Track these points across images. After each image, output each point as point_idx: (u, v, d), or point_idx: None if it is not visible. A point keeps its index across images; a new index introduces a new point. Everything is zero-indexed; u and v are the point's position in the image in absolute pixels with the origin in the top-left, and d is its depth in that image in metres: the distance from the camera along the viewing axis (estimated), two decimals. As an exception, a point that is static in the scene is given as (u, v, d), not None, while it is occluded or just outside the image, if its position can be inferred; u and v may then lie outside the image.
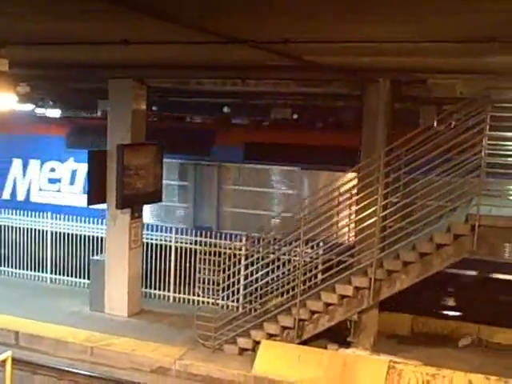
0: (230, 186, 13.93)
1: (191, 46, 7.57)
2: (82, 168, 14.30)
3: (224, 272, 10.64)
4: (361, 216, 9.83)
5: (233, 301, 11.24)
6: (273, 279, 10.65)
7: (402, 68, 9.67)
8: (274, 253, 10.78)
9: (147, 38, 7.28)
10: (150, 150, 12.44)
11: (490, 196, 9.19)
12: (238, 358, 10.21)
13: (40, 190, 15.34)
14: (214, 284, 10.70)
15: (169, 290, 13.07)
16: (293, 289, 10.32)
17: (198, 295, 11.97)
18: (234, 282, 10.76)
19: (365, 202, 9.80)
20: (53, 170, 15.36)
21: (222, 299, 10.90)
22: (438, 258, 9.31)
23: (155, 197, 12.70)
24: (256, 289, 10.71)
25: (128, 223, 12.14)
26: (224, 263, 10.66)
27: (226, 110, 15.48)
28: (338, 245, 10.23)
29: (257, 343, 10.02)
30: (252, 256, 10.78)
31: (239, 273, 11.03)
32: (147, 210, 13.69)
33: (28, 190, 15.48)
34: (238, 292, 11.26)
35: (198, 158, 14.11)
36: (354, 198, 10.17)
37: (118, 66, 10.83)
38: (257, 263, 10.66)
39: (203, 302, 11.70)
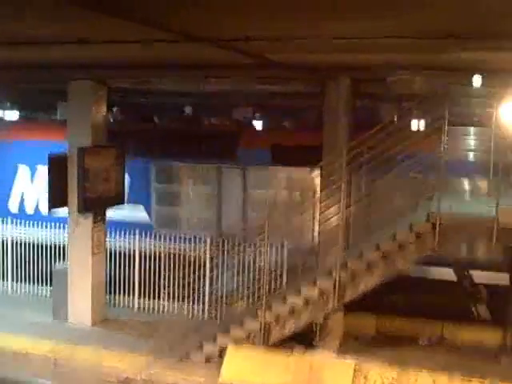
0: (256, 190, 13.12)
1: (152, 44, 7.44)
2: None
3: (189, 276, 10.51)
4: (324, 214, 9.75)
5: (198, 306, 11.07)
6: (238, 283, 10.53)
7: (362, 65, 9.65)
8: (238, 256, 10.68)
9: (107, 36, 7.13)
10: (111, 153, 12.21)
11: (451, 193, 9.23)
12: (204, 365, 10.08)
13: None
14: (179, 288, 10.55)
15: (134, 298, 12.86)
16: (259, 292, 10.20)
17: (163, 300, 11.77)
18: (199, 287, 10.62)
19: (328, 201, 9.73)
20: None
21: (188, 304, 10.73)
22: (401, 256, 9.29)
23: (117, 200, 12.47)
24: (221, 294, 10.57)
25: (90, 228, 11.90)
26: (189, 267, 10.54)
27: (187, 110, 15.34)
28: (303, 246, 10.15)
29: (224, 349, 9.88)
30: (217, 259, 10.67)
31: (204, 277, 10.89)
32: (160, 218, 13.04)
33: (38, 201, 14.41)
34: (204, 297, 11.11)
35: (222, 162, 13.23)
36: (318, 197, 10.10)
37: (78, 66, 10.61)
38: (222, 267, 10.56)
39: (169, 309, 11.54)
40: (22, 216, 14.04)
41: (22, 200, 14.67)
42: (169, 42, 7.09)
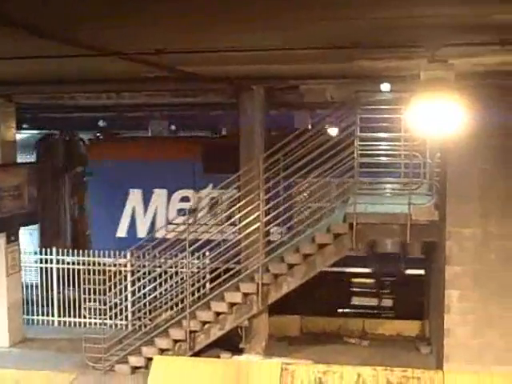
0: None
1: (60, 59, 7.33)
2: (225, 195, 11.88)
3: (110, 290, 10.38)
4: (244, 222, 9.94)
5: (121, 319, 10.95)
6: (161, 293, 10.51)
7: (274, 75, 9.92)
8: (160, 266, 10.65)
9: (12, 52, 6.96)
10: (23, 170, 11.91)
11: (365, 195, 9.67)
12: (130, 378, 9.95)
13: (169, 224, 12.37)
14: (100, 304, 10.40)
15: (53, 315, 12.53)
16: (182, 301, 10.23)
17: (85, 317, 11.54)
18: (121, 300, 10.52)
19: (247, 209, 9.92)
20: (185, 199, 13.13)
21: (110, 318, 10.59)
22: (320, 257, 9.60)
23: (32, 219, 12.17)
24: (145, 304, 10.51)
25: (3, 248, 11.52)
26: (110, 281, 10.40)
27: (101, 123, 15.13)
28: (225, 253, 10.26)
29: (149, 360, 9.82)
30: (138, 271, 10.61)
31: (126, 290, 10.79)
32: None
33: (152, 225, 13.20)
34: (126, 310, 11.00)
35: None
36: (238, 205, 10.27)
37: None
38: (144, 278, 10.51)
39: (91, 324, 11.35)
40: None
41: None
42: (78, 57, 7.03)
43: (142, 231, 13.44)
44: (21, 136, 14.16)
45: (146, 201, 13.32)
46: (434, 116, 6.75)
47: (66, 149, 15.20)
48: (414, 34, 6.35)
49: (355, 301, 11.83)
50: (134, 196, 13.46)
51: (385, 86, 9.47)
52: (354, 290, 11.89)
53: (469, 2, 4.87)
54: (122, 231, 13.56)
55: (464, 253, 8.70)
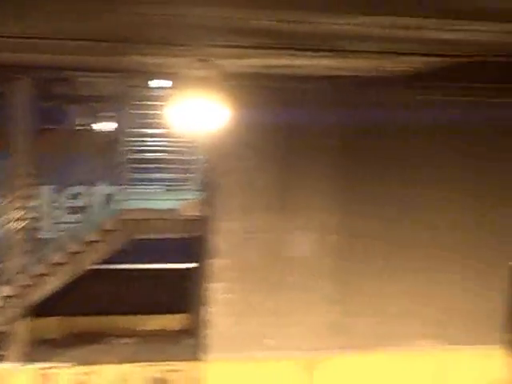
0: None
1: None
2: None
3: None
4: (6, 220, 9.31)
5: None
6: None
7: (45, 66, 9.43)
8: None
9: None
10: None
11: (137, 191, 9.62)
12: None
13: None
14: None
15: None
16: None
17: None
18: None
19: (11, 207, 9.31)
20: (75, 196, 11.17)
21: None
22: (90, 254, 9.35)
23: None
24: None
25: None
26: None
27: None
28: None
29: None
30: None
31: None
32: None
33: None
34: None
35: None
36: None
37: None
38: None
39: None
40: None
41: None
42: None
43: None
44: None
45: None
46: (199, 114, 6.97)
47: None
48: (179, 33, 6.41)
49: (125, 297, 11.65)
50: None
51: (154, 82, 9.50)
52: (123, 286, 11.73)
53: (231, 6, 5.04)
54: None
55: (228, 246, 9.04)
